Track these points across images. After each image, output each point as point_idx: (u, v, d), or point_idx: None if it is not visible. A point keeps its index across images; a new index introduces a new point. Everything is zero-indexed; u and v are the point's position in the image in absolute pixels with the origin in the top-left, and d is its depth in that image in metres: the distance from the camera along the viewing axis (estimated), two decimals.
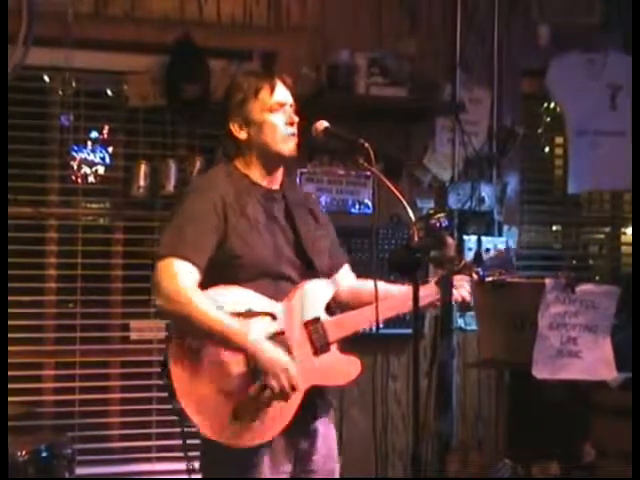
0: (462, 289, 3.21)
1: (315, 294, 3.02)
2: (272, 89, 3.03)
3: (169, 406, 4.26)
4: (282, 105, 3.03)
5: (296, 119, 3.04)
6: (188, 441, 3.10)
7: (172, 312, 2.82)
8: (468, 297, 3.21)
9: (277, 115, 3.02)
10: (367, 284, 3.13)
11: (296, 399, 2.90)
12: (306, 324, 2.98)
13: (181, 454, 4.56)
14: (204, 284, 2.88)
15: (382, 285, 3.12)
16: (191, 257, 2.84)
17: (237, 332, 2.81)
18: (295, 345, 2.94)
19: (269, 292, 2.95)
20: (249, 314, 2.89)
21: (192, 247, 2.85)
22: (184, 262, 2.83)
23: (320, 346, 2.98)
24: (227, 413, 2.82)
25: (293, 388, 2.82)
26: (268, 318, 2.93)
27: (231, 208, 2.95)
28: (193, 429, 2.90)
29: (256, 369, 2.82)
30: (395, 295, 3.12)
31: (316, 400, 3.03)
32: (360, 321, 3.05)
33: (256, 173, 3.06)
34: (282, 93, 3.05)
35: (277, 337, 2.92)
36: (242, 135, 3.05)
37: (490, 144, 5.10)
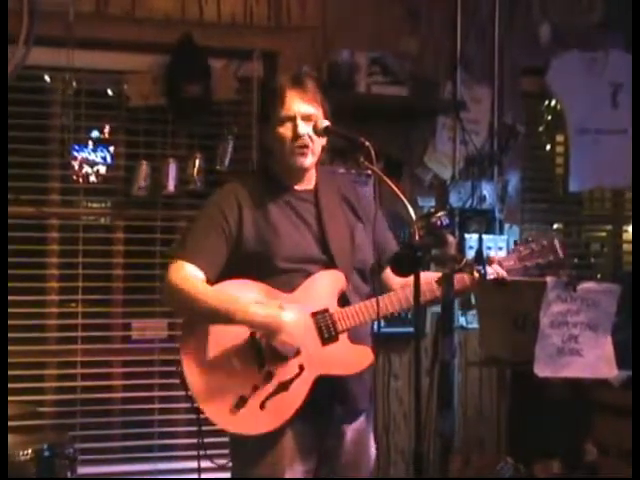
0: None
1: (325, 285, 3.05)
2: (282, 101, 3.06)
3: (171, 405, 4.30)
4: (290, 119, 3.05)
5: (304, 131, 3.04)
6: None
7: (177, 301, 3.00)
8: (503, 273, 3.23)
9: (285, 128, 3.06)
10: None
11: (304, 387, 2.95)
12: (314, 314, 3.01)
13: (182, 453, 4.61)
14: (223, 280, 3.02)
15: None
16: (197, 262, 2.99)
17: (230, 303, 2.92)
18: (302, 335, 2.96)
19: (287, 287, 3.01)
20: (257, 303, 2.96)
21: (198, 253, 3.01)
22: (191, 264, 2.99)
23: (328, 336, 3.00)
24: (232, 401, 2.92)
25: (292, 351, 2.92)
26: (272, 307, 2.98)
27: (248, 209, 3.05)
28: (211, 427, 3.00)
29: (260, 356, 2.92)
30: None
31: (340, 406, 3.06)
32: (371, 312, 3.05)
33: (285, 175, 3.14)
34: (293, 105, 3.05)
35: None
36: (268, 141, 3.15)
37: (491, 142, 5.09)
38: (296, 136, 3.04)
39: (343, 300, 3.06)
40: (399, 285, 3.20)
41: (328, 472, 3.13)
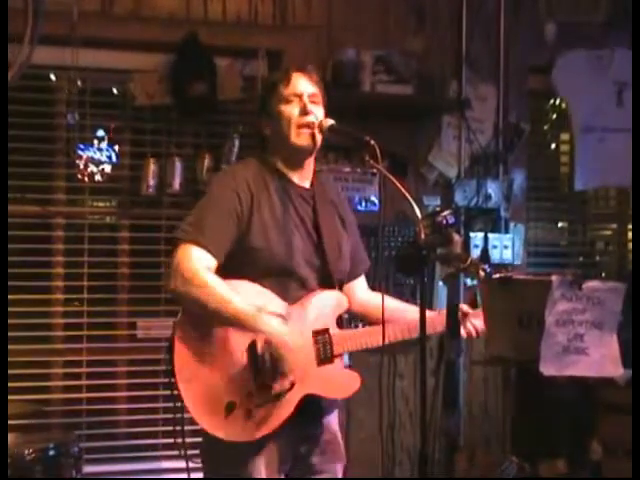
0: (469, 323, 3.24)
1: (328, 305, 3.05)
2: (287, 81, 3.06)
3: (176, 404, 4.25)
4: (298, 96, 3.04)
5: (312, 109, 3.04)
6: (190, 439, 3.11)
7: (186, 293, 2.86)
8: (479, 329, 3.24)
9: (292, 105, 3.04)
10: (377, 300, 3.07)
11: (292, 401, 2.93)
12: (314, 333, 3.00)
13: (188, 452, 4.60)
14: (220, 275, 2.92)
15: (392, 303, 3.20)
16: (209, 246, 2.89)
17: (252, 316, 2.85)
18: (299, 351, 2.93)
19: (280, 290, 2.98)
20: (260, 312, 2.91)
21: (211, 236, 2.90)
22: (202, 250, 2.88)
23: (324, 357, 3.00)
24: (222, 407, 2.88)
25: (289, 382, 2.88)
26: (279, 319, 2.94)
27: (257, 200, 2.98)
28: (194, 427, 2.96)
29: (257, 366, 2.87)
30: (406, 319, 3.13)
31: (313, 403, 3.03)
32: (368, 340, 3.05)
33: (285, 169, 3.09)
34: (299, 84, 3.06)
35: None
36: (266, 131, 3.12)
37: (496, 141, 5.09)
38: (304, 112, 3.02)
39: (339, 319, 3.08)
40: (360, 302, 3.24)
41: (303, 472, 3.12)
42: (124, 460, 4.64)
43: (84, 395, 4.58)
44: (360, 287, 3.33)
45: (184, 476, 4.54)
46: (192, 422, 2.96)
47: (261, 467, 2.96)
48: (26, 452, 3.45)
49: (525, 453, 4.45)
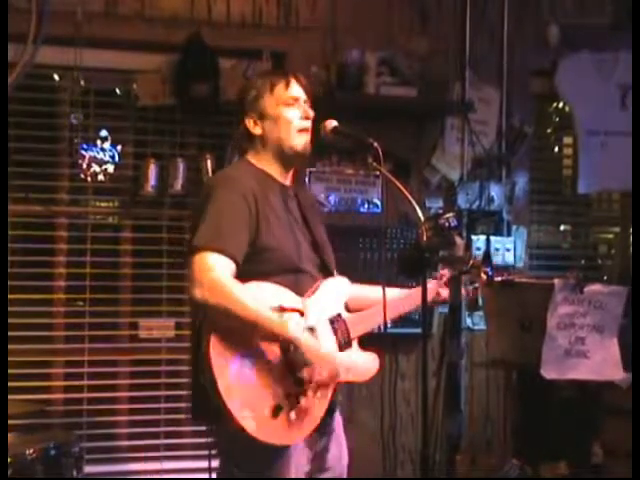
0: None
1: (336, 291, 3.06)
2: (287, 84, 3.07)
3: (178, 405, 4.29)
4: (297, 100, 3.06)
5: (311, 114, 3.07)
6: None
7: (215, 305, 2.76)
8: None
9: (292, 109, 3.05)
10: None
11: (328, 393, 2.94)
12: (331, 320, 3.00)
13: (189, 453, 4.61)
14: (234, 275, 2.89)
15: (375, 289, 3.18)
16: (227, 250, 2.82)
17: (279, 324, 2.80)
18: (321, 341, 2.94)
19: (292, 286, 2.96)
20: (280, 310, 2.86)
21: (228, 240, 2.84)
22: (220, 255, 2.81)
23: (344, 342, 3.01)
24: (269, 412, 2.80)
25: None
26: (297, 314, 2.91)
27: (260, 202, 2.95)
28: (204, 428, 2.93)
29: (294, 362, 2.82)
30: (398, 295, 3.17)
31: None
32: (378, 318, 3.06)
33: (272, 169, 3.08)
34: (296, 88, 3.08)
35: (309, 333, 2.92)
36: (257, 131, 3.08)
37: (499, 144, 5.09)
38: (306, 116, 3.05)
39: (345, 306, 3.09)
40: None
41: (319, 468, 3.09)
42: (125, 460, 4.64)
43: (85, 395, 4.58)
44: None
45: (185, 476, 4.58)
46: None
47: (291, 467, 2.94)
48: (27, 452, 3.45)
49: (527, 455, 4.45)
